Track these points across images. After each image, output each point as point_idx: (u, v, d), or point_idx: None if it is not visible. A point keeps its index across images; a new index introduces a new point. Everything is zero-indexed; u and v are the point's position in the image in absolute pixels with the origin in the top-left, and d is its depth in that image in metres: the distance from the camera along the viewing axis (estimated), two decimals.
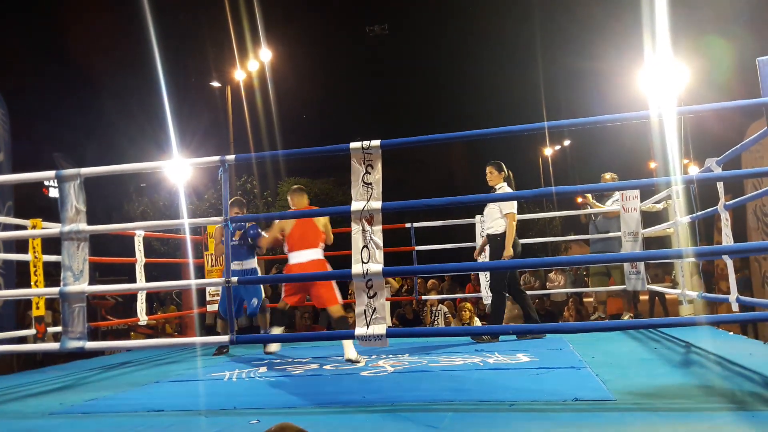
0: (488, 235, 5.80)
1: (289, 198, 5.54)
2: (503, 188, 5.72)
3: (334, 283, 5.19)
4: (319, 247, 5.28)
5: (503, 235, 5.59)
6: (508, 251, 5.50)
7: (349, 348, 4.74)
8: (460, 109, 29.66)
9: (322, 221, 5.32)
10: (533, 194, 4.25)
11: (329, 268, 5.28)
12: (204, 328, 8.11)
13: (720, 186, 4.22)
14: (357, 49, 31.14)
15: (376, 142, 3.43)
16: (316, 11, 31.99)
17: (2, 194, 6.58)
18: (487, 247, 5.95)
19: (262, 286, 6.06)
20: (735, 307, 4.19)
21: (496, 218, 5.70)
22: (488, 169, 5.80)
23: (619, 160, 22.24)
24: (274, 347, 5.61)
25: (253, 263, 5.92)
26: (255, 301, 5.87)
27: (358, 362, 4.63)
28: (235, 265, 5.69)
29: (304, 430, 1.36)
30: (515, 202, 5.66)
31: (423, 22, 34.14)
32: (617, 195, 6.67)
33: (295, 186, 5.82)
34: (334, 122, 27.83)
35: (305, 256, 5.19)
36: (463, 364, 4.35)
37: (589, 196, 6.82)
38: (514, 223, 5.57)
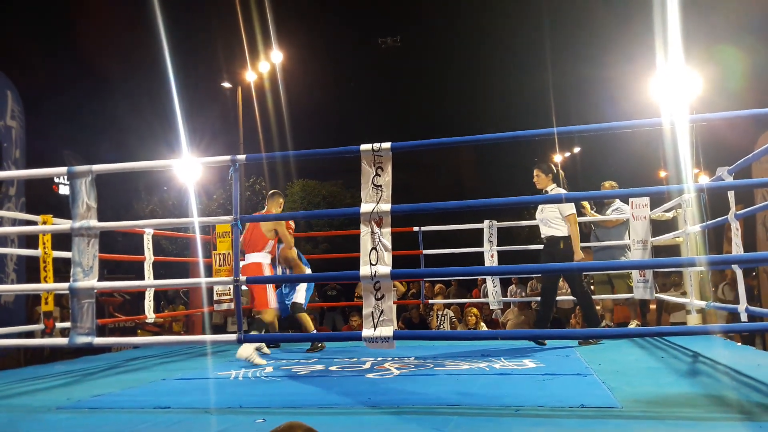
0: (550, 237, 5.60)
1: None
2: (555, 190, 5.57)
3: (268, 287, 5.34)
4: (263, 250, 5.41)
5: (566, 238, 5.50)
6: (579, 254, 5.45)
7: (247, 347, 4.79)
8: (470, 117, 29.65)
9: (268, 226, 5.43)
10: (542, 199, 4.26)
11: (266, 272, 5.38)
12: (212, 327, 8.13)
13: (731, 195, 4.20)
14: (368, 55, 31.22)
15: (387, 145, 3.44)
16: (328, 15, 32.10)
17: (17, 190, 6.65)
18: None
19: (299, 288, 6.11)
20: (744, 317, 4.16)
21: (557, 220, 5.55)
22: (535, 172, 5.68)
23: (629, 168, 22.19)
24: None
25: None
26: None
27: (250, 359, 4.78)
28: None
29: (313, 429, 1.36)
30: (573, 203, 5.57)
31: (434, 29, 34.23)
32: (617, 204, 6.64)
33: (271, 191, 5.98)
34: (343, 126, 27.89)
35: (248, 259, 5.39)
36: (468, 369, 4.35)
37: (587, 205, 6.80)
38: (576, 226, 5.52)
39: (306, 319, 6.02)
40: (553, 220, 5.56)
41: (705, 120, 3.56)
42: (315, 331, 5.94)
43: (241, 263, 5.32)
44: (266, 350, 5.70)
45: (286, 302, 6.05)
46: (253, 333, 5.22)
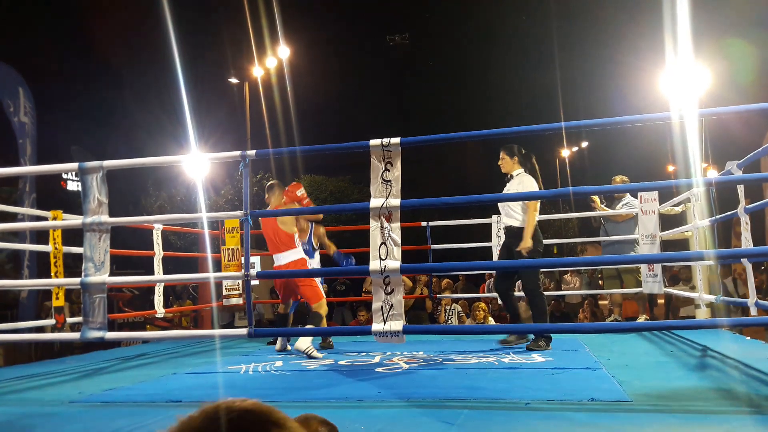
0: (508, 228, 5.22)
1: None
2: (521, 175, 5.11)
3: (317, 281, 5.30)
4: (296, 246, 5.27)
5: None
6: (526, 242, 4.93)
7: (304, 340, 4.87)
8: (478, 113, 29.61)
9: (285, 221, 5.25)
10: (551, 194, 4.25)
11: (311, 266, 5.36)
12: (220, 322, 8.16)
13: (740, 189, 4.19)
14: (376, 51, 31.20)
15: (396, 140, 3.44)
16: (336, 11, 32.08)
17: (30, 187, 6.71)
18: (500, 243, 5.64)
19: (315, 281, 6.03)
20: (754, 311, 4.16)
21: (517, 208, 5.11)
22: (500, 155, 5.23)
23: (638, 163, 22.13)
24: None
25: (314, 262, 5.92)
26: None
27: (307, 352, 4.81)
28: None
29: (328, 421, 1.37)
30: (535, 187, 5.07)
31: (442, 24, 34.17)
32: (627, 198, 6.63)
33: (269, 183, 5.66)
34: (351, 123, 27.88)
35: (287, 257, 5.22)
36: (477, 363, 4.36)
37: (596, 199, 6.78)
38: (536, 213, 5.02)
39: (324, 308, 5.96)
40: (514, 208, 5.13)
41: (714, 114, 3.55)
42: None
43: (275, 263, 5.29)
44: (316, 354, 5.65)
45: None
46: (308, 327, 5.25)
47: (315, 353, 4.88)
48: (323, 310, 5.17)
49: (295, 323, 7.65)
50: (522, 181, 5.08)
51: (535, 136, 3.74)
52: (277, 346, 5.58)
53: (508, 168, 5.20)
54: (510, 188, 5.16)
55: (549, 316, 6.94)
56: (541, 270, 9.96)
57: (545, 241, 5.40)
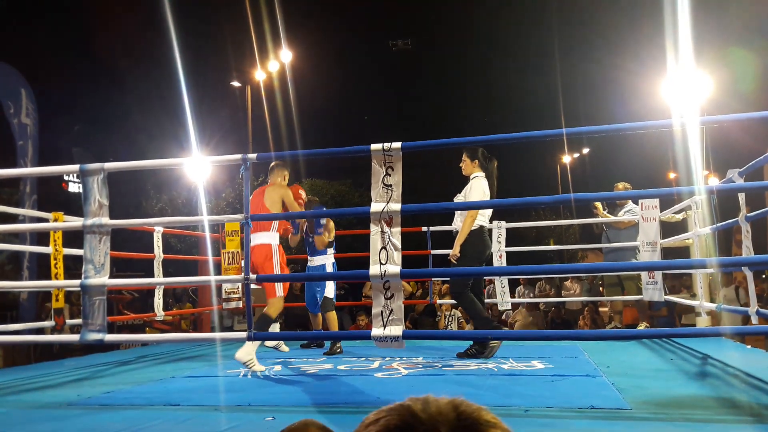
0: (456, 232, 5.10)
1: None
2: (478, 179, 5.00)
3: (331, 286, 5.27)
4: (269, 230, 4.87)
5: (472, 233, 4.94)
6: (454, 249, 4.89)
7: (245, 349, 4.33)
8: (480, 119, 29.68)
9: (273, 198, 4.95)
10: (552, 200, 4.24)
11: (275, 253, 4.87)
12: (221, 326, 8.15)
13: (741, 197, 4.19)
14: (379, 56, 31.25)
15: (397, 144, 3.44)
16: (339, 17, 32.15)
17: (31, 188, 6.71)
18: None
19: (328, 284, 5.83)
20: (755, 319, 4.15)
21: (464, 213, 5.00)
22: (462, 157, 5.14)
23: (639, 170, 22.08)
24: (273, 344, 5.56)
25: (314, 261, 5.83)
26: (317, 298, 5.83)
27: (248, 365, 4.33)
28: (309, 262, 5.87)
29: (327, 428, 1.36)
30: (481, 194, 4.88)
31: (444, 32, 34.25)
32: (630, 206, 6.63)
33: (273, 163, 5.30)
34: (352, 128, 27.94)
35: (254, 240, 4.74)
36: (477, 369, 4.35)
37: (599, 206, 6.78)
38: (471, 220, 4.88)
39: (333, 320, 5.81)
40: (462, 213, 5.05)
41: (716, 122, 3.55)
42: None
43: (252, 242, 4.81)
44: (284, 348, 5.62)
45: (317, 297, 5.79)
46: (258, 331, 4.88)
47: (257, 366, 4.39)
48: (273, 309, 4.73)
49: (296, 327, 7.65)
50: (471, 186, 5.00)
51: (536, 142, 3.74)
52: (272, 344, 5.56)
53: (467, 171, 5.12)
54: (463, 192, 5.10)
55: (550, 322, 6.88)
56: (542, 276, 10.00)
57: (546, 248, 5.40)
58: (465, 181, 5.14)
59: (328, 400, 3.39)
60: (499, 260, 6.81)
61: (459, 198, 5.14)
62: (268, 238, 4.88)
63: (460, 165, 5.16)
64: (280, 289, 4.79)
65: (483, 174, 5.04)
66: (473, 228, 4.93)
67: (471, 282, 5.00)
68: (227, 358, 5.45)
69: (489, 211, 5.32)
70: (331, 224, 5.87)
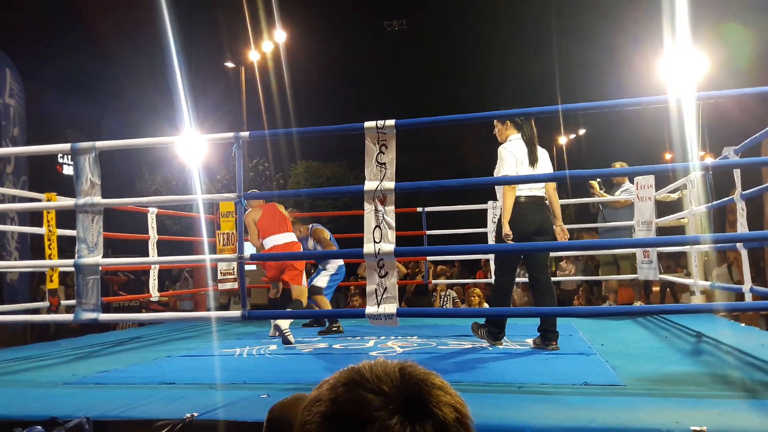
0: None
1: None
2: (505, 147, 4.36)
3: (303, 270, 5.54)
4: (292, 231, 5.56)
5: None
6: (506, 229, 4.19)
7: (283, 323, 4.83)
8: (476, 100, 29.54)
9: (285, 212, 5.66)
10: (546, 177, 4.22)
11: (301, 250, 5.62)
12: (217, 306, 8.15)
13: (737, 174, 4.18)
14: (374, 37, 31.02)
15: (391, 122, 3.41)
16: None
17: (18, 169, 6.64)
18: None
19: (321, 275, 6.08)
20: (749, 297, 4.16)
21: (498, 190, 4.46)
22: (494, 123, 4.50)
23: (635, 150, 22.04)
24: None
25: (335, 263, 6.07)
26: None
27: (285, 333, 4.76)
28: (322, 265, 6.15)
29: None
30: (511, 161, 4.27)
31: (440, 10, 33.97)
32: (627, 185, 6.62)
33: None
34: (347, 109, 27.79)
35: (282, 239, 5.40)
36: (471, 348, 4.36)
37: (596, 185, 6.76)
38: (512, 194, 4.23)
39: (324, 302, 5.94)
40: (498, 190, 4.49)
41: (712, 97, 3.52)
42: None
43: (269, 245, 5.39)
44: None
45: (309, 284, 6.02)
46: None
47: (290, 337, 4.80)
48: (304, 298, 5.37)
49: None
50: (499, 156, 4.38)
51: (532, 119, 3.70)
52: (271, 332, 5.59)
53: (502, 137, 4.45)
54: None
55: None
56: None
57: None
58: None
59: (323, 378, 3.39)
60: (494, 240, 6.80)
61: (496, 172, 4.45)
62: (293, 237, 5.53)
63: (494, 133, 4.54)
64: (304, 279, 5.58)
65: (519, 135, 4.35)
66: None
67: (513, 268, 4.43)
68: (223, 337, 5.46)
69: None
70: (324, 233, 6.12)
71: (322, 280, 6.02)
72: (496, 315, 4.44)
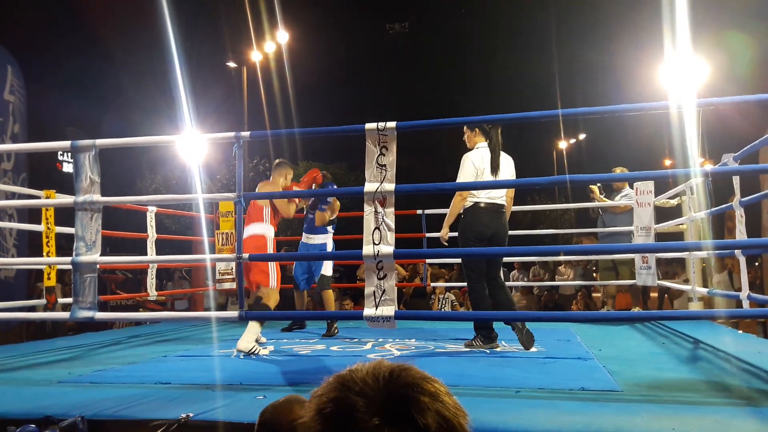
0: None
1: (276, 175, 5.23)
2: (467, 155, 4.58)
3: (271, 266, 4.73)
4: (263, 221, 4.81)
5: (465, 212, 4.56)
6: (443, 231, 4.64)
7: (245, 339, 4.38)
8: (476, 104, 29.58)
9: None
10: (547, 181, 4.22)
11: (269, 245, 4.84)
12: (216, 307, 8.13)
13: (736, 181, 4.18)
14: (376, 39, 31.05)
15: (392, 124, 3.41)
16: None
17: (17, 165, 6.63)
18: None
19: (325, 263, 5.79)
20: (746, 304, 4.15)
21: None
22: (464, 130, 4.72)
23: (635, 156, 22.08)
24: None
25: (314, 239, 5.79)
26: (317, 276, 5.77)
27: (252, 352, 4.33)
28: (303, 238, 5.81)
29: None
30: (470, 169, 4.46)
31: (441, 15, 34.03)
32: (627, 190, 6.62)
33: (278, 160, 5.37)
34: (348, 111, 27.79)
35: (246, 231, 4.76)
36: (469, 351, 4.35)
37: (596, 190, 6.76)
38: (459, 199, 4.50)
39: (330, 299, 5.82)
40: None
41: (713, 104, 3.52)
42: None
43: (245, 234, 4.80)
44: (261, 339, 5.06)
45: (314, 273, 5.75)
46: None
47: (262, 350, 4.41)
48: (272, 301, 4.67)
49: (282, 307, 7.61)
50: (462, 163, 4.56)
51: (532, 127, 3.71)
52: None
53: (471, 143, 4.65)
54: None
55: (543, 306, 6.82)
56: (536, 259, 9.99)
57: (540, 231, 5.33)
58: (458, 167, 4.91)
59: (320, 380, 3.38)
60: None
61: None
62: (263, 228, 4.82)
63: (463, 139, 4.75)
64: (273, 279, 4.67)
65: (485, 144, 4.54)
66: (466, 206, 4.52)
67: (483, 270, 4.55)
68: (220, 337, 5.45)
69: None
70: (337, 204, 5.85)
71: (329, 269, 5.83)
72: (484, 319, 4.46)
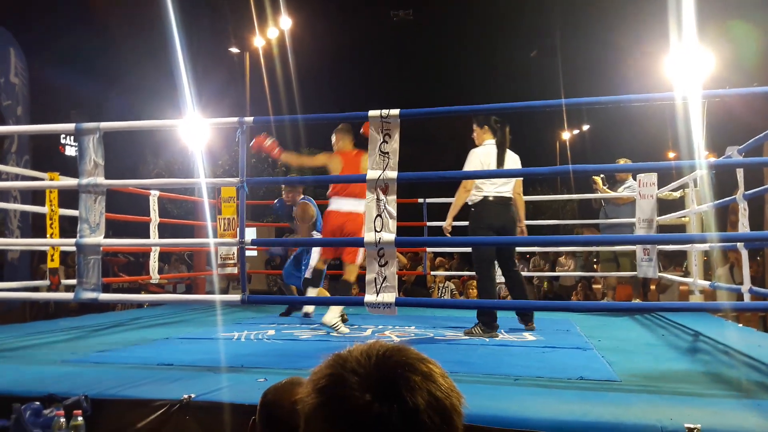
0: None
1: (334, 138, 5.04)
2: (474, 150, 4.73)
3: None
4: (365, 198, 4.53)
5: (475, 205, 4.72)
6: (446, 222, 4.83)
7: (330, 314, 4.56)
8: (480, 93, 29.48)
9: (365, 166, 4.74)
10: (549, 171, 4.22)
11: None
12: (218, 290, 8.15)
13: (740, 174, 4.17)
14: (380, 26, 30.89)
15: (395, 111, 3.41)
16: None
17: (20, 148, 6.64)
18: None
19: (314, 253, 5.73)
20: (747, 297, 4.17)
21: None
22: (473, 127, 4.84)
23: (639, 148, 22.05)
24: (310, 309, 5.64)
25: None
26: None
27: (335, 328, 4.54)
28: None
29: None
30: (476, 164, 4.61)
31: (446, 3, 33.81)
32: (630, 182, 6.61)
33: (341, 125, 5.08)
34: (352, 98, 27.71)
35: (346, 205, 4.75)
36: (469, 339, 4.37)
37: (599, 181, 6.76)
38: (463, 192, 4.68)
39: (324, 293, 5.76)
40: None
41: (718, 96, 3.52)
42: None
43: (332, 206, 4.83)
44: (345, 317, 5.15)
45: (303, 268, 5.78)
46: (309, 290, 5.23)
47: (343, 329, 4.58)
48: (353, 276, 4.85)
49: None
50: (468, 158, 4.70)
51: (536, 117, 3.72)
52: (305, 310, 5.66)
53: (479, 140, 4.78)
54: None
55: (543, 297, 6.80)
56: (538, 251, 10.01)
57: (541, 222, 5.36)
58: (462, 155, 4.97)
59: (320, 364, 3.40)
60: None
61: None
62: (361, 205, 4.34)
63: (472, 136, 4.86)
64: (360, 256, 4.69)
65: (493, 142, 4.67)
66: (476, 200, 4.66)
67: (490, 260, 4.74)
68: (222, 321, 5.47)
69: (501, 181, 4.71)
70: (310, 211, 5.80)
71: (315, 258, 5.78)
72: (486, 307, 4.52)
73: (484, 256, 4.73)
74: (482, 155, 4.64)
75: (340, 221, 4.78)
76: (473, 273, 8.95)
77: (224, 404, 2.46)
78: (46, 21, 20.23)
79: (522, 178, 5.22)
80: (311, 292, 5.23)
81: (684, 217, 6.15)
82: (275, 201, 5.88)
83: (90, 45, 21.32)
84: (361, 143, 4.16)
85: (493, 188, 4.65)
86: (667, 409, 2.40)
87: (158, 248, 6.40)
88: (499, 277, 5.10)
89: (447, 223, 4.84)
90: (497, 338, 4.40)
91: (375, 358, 0.83)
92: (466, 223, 7.31)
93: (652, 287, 7.65)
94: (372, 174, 3.41)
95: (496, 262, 4.84)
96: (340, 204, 4.81)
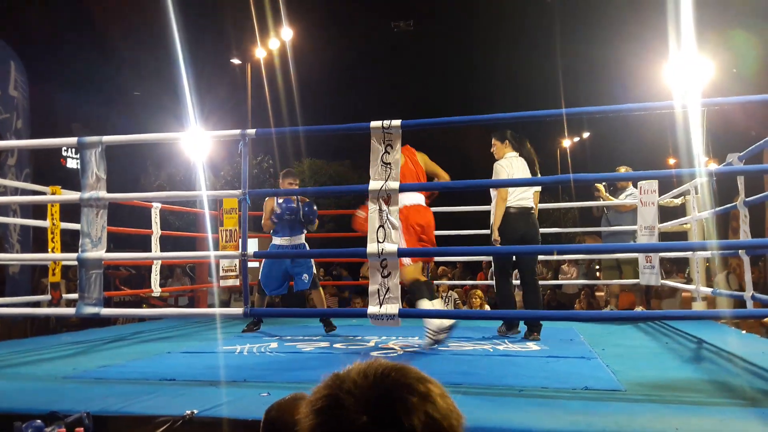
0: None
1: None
2: (499, 163, 4.99)
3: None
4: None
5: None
6: (494, 234, 4.91)
7: (434, 323, 4.26)
8: (481, 103, 29.55)
9: (424, 161, 4.65)
10: (551, 180, 4.23)
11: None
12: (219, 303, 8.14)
13: (740, 181, 4.17)
14: (381, 37, 31.02)
15: (397, 122, 3.42)
16: None
17: (20, 161, 6.65)
18: None
19: (313, 261, 5.82)
20: (750, 304, 4.15)
21: (494, 194, 5.03)
22: (492, 141, 5.13)
23: (639, 155, 22.04)
24: (437, 324, 4.40)
25: (301, 239, 5.73)
26: (306, 276, 5.61)
27: (438, 338, 4.28)
28: (282, 240, 5.63)
29: None
30: (504, 176, 4.89)
31: (447, 13, 33.98)
32: (631, 189, 6.61)
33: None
34: (353, 109, 27.77)
35: (418, 198, 4.52)
36: (473, 350, 4.36)
37: (602, 188, 6.75)
38: (503, 205, 4.88)
39: (321, 296, 5.81)
40: (492, 196, 5.07)
41: (717, 104, 3.52)
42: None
43: (403, 202, 4.27)
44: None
45: (306, 275, 5.63)
46: (422, 302, 4.36)
47: (441, 336, 4.29)
48: (417, 274, 4.57)
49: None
50: (495, 171, 4.99)
51: (536, 125, 3.72)
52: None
53: (499, 154, 5.07)
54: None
55: (545, 305, 6.77)
56: (539, 259, 9.97)
57: (543, 230, 5.38)
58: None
59: (323, 377, 3.39)
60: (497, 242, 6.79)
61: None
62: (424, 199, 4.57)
63: (491, 150, 5.13)
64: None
65: (516, 154, 5.00)
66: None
67: (508, 268, 5.11)
68: (224, 334, 5.46)
69: (520, 191, 4.95)
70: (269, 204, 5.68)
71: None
72: (486, 318, 4.63)
73: (499, 264, 5.10)
74: (506, 166, 4.93)
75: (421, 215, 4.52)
76: (476, 282, 8.97)
77: (227, 420, 2.45)
78: (47, 34, 20.32)
79: (540, 190, 5.46)
80: (425, 304, 4.37)
81: (685, 224, 6.14)
82: (304, 205, 5.72)
83: (92, 58, 21.42)
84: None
85: (516, 200, 4.93)
86: (672, 419, 2.39)
87: (159, 261, 6.38)
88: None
89: (495, 235, 4.94)
90: (501, 348, 4.38)
91: (373, 378, 0.82)
92: (472, 232, 7.38)
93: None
94: (374, 185, 3.41)
95: (515, 269, 5.19)
96: (410, 198, 4.45)
